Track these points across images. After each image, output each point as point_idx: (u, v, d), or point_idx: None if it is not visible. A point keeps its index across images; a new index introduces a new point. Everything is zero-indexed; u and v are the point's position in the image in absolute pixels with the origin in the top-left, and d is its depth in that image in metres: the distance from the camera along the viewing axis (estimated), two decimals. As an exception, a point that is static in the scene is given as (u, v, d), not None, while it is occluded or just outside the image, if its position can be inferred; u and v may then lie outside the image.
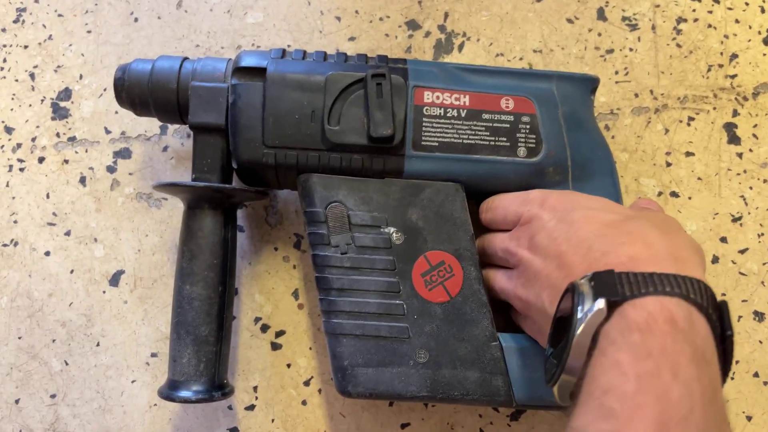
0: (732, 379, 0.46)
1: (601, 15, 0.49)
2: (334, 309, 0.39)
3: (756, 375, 0.45)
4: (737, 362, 0.46)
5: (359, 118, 0.39)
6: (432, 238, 0.40)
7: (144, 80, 0.40)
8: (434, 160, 0.40)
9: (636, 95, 0.48)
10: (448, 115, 0.40)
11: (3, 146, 0.50)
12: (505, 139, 0.40)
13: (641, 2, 0.49)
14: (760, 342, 0.46)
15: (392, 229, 0.40)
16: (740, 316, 0.46)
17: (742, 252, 0.47)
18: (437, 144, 0.40)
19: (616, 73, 0.49)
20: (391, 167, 0.40)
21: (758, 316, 0.46)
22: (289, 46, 0.50)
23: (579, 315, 0.29)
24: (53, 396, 0.47)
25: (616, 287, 0.29)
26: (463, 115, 0.40)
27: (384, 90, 0.39)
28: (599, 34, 0.49)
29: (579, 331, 0.29)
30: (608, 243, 0.32)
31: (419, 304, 0.39)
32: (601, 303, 0.28)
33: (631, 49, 0.49)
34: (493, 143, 0.40)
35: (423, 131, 0.40)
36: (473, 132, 0.40)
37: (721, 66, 0.48)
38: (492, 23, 0.50)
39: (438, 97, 0.40)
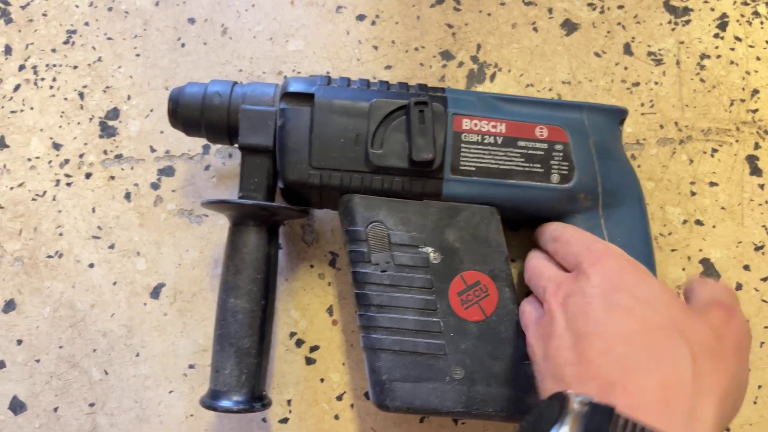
0: (755, 403, 0.47)
1: (627, 50, 0.52)
2: (373, 324, 0.40)
3: (779, 401, 0.47)
4: (759, 387, 0.47)
5: (401, 143, 0.41)
6: (468, 258, 0.41)
7: (197, 103, 0.43)
8: (471, 184, 0.42)
9: (661, 126, 0.50)
10: (485, 141, 0.42)
11: (51, 161, 0.52)
12: (539, 165, 0.42)
13: (666, 39, 0.52)
14: (783, 369, 0.47)
15: (430, 249, 0.41)
16: (762, 342, 0.47)
17: (764, 280, 0.48)
18: (474, 168, 0.42)
19: (642, 105, 0.51)
20: (430, 190, 0.42)
21: (781, 343, 0.47)
22: (328, 72, 0.53)
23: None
24: (92, 405, 0.49)
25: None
26: (499, 141, 0.42)
27: (426, 117, 0.41)
28: (626, 68, 0.51)
29: None
30: (632, 357, 0.30)
31: (455, 322, 0.41)
32: None
33: (656, 83, 0.51)
34: (527, 169, 0.42)
35: (461, 156, 0.42)
36: (509, 158, 0.42)
37: (743, 101, 0.50)
38: (523, 55, 0.52)
39: (476, 125, 0.42)
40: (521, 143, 0.42)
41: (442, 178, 0.42)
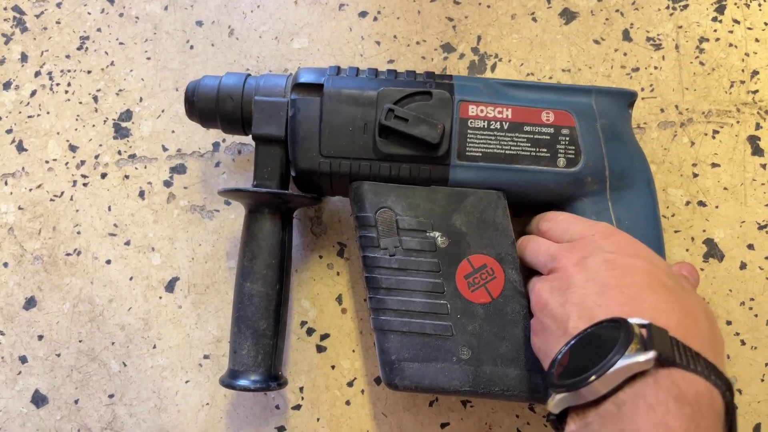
0: (762, 381, 0.47)
1: (626, 36, 0.53)
2: (383, 307, 0.41)
3: (787, 377, 0.47)
4: (767, 365, 0.47)
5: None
6: (475, 242, 0.42)
7: (212, 94, 0.44)
8: (478, 170, 0.43)
9: (662, 110, 0.51)
10: (492, 127, 0.43)
11: (67, 163, 0.54)
12: (545, 150, 0.43)
13: (664, 23, 0.53)
14: (790, 345, 0.47)
15: (437, 234, 0.42)
16: (770, 320, 0.48)
17: (769, 258, 0.49)
18: (480, 154, 0.43)
19: (642, 90, 0.52)
20: (437, 176, 0.43)
21: (787, 319, 0.48)
22: (333, 68, 0.54)
23: (624, 353, 0.29)
24: (111, 396, 0.50)
25: (669, 349, 0.30)
26: (505, 127, 0.43)
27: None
28: (625, 54, 0.52)
29: (617, 367, 0.29)
30: (661, 301, 0.33)
31: (462, 304, 0.42)
32: (651, 354, 0.29)
33: (656, 68, 0.52)
34: (534, 154, 0.43)
35: (467, 142, 0.43)
36: (515, 143, 0.43)
37: (743, 82, 0.51)
38: (522, 45, 0.53)
39: (482, 111, 0.43)
40: (527, 128, 0.43)
41: (449, 164, 0.43)
